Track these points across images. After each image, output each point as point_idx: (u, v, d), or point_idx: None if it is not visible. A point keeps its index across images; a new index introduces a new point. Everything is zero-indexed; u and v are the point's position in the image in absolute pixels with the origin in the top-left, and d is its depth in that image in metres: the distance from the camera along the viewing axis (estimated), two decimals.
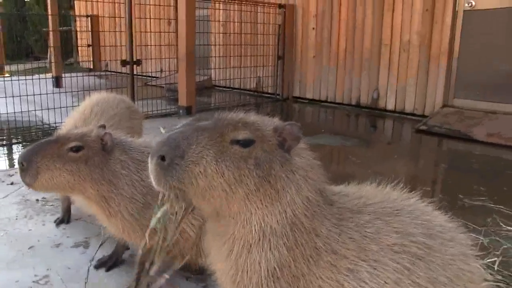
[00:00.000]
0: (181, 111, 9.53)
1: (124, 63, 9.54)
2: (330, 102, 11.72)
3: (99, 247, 4.13)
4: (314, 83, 12.06)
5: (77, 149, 3.14)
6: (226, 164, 1.99)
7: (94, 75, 15.11)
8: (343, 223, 2.14)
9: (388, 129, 9.69)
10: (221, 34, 13.20)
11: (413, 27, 9.97)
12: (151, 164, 2.01)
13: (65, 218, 4.63)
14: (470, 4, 9.33)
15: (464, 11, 9.43)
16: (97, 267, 3.84)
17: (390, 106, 10.60)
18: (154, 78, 14.36)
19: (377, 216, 2.19)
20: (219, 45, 12.95)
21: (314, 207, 2.11)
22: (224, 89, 13.53)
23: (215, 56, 13.07)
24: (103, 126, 3.51)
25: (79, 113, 4.66)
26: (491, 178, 6.12)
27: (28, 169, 3.05)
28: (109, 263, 3.87)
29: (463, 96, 9.64)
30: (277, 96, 12.38)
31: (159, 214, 2.21)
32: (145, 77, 14.52)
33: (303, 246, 2.07)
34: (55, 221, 4.61)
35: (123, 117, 4.84)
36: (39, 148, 3.12)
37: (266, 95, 12.71)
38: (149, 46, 13.23)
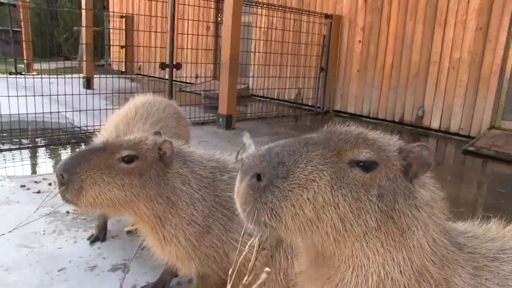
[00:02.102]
0: (220, 119, 9.18)
1: (163, 66, 9.22)
2: (372, 118, 11.38)
3: (127, 270, 3.69)
4: (356, 98, 11.73)
5: (130, 160, 2.71)
6: (343, 192, 1.58)
7: (125, 78, 14.90)
8: (479, 273, 1.71)
9: (433, 148, 9.27)
10: (262, 42, 12.88)
11: (465, 45, 9.65)
12: (240, 184, 1.60)
13: (101, 236, 4.17)
14: None
15: None
16: None
17: (435, 125, 10.27)
18: (189, 84, 14.11)
19: None
20: (260, 52, 12.63)
21: (442, 251, 1.69)
22: (261, 99, 13.24)
23: (254, 64, 12.76)
24: (159, 133, 3.07)
25: (122, 116, 4.23)
26: None
27: (69, 183, 2.60)
28: None
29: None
30: (317, 109, 12.04)
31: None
32: (179, 83, 14.28)
33: None
34: (88, 239, 4.14)
35: (169, 123, 4.42)
36: (83, 157, 2.68)
37: (306, 107, 12.40)
38: (185, 50, 12.89)
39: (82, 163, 2.65)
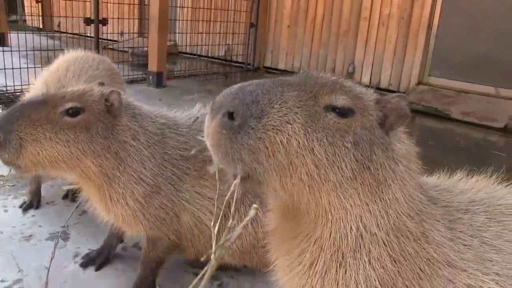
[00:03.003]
0: (150, 77, 8.81)
1: (88, 21, 8.64)
2: None
3: (60, 234, 3.48)
4: (287, 54, 11.61)
5: (75, 113, 2.47)
6: (318, 136, 1.49)
7: (47, 35, 13.92)
8: (454, 226, 1.70)
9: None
10: None
11: (394, 1, 9.71)
12: (211, 123, 1.45)
13: (34, 202, 3.89)
14: None
15: None
16: (84, 265, 3.17)
17: (365, 81, 10.36)
18: (114, 42, 13.39)
19: (489, 217, 1.76)
20: (187, 7, 12.17)
21: (418, 206, 1.65)
22: (190, 56, 12.77)
23: (181, 20, 12.27)
24: (103, 84, 2.82)
25: (52, 73, 3.95)
26: (479, 157, 6.15)
27: (6, 142, 2.34)
28: (99, 260, 3.21)
29: (438, 75, 9.59)
30: (248, 66, 11.82)
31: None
32: (103, 40, 13.53)
33: (412, 257, 1.60)
34: (20, 206, 3.86)
35: (104, 80, 4.06)
36: (21, 112, 2.41)
37: (236, 64, 12.08)
38: (109, 4, 12.10)
39: (20, 119, 2.38)
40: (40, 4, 16.26)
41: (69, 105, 2.47)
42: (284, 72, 11.60)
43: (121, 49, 11.93)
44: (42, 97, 2.54)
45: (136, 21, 13.11)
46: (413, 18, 9.55)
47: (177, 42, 13.08)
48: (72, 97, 2.53)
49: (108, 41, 12.87)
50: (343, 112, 1.55)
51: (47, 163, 2.44)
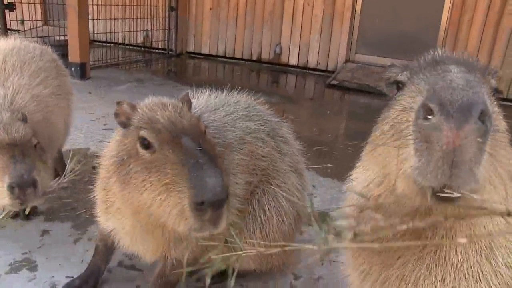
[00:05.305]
0: (73, 69, 7.99)
1: None
2: (229, 58, 10.96)
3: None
4: (211, 38, 11.15)
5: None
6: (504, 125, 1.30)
7: None
8: None
9: (299, 84, 9.48)
10: None
11: None
12: (460, 129, 1.01)
13: None
14: None
15: None
16: None
17: (293, 61, 10.27)
18: (14, 31, 12.15)
19: None
20: None
21: None
22: (104, 44, 11.78)
23: (93, 5, 11.31)
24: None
25: None
26: None
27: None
28: None
29: (364, 52, 9.74)
30: (170, 52, 11.15)
31: None
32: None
33: None
34: None
35: (50, 73, 3.66)
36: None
37: (156, 50, 11.35)
38: None
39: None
40: None
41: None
42: (209, 56, 11.17)
43: (27, 39, 10.83)
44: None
45: (39, 7, 11.94)
46: None
47: (89, 29, 12.10)
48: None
49: (16, 31, 11.68)
50: (496, 94, 1.38)
51: None
